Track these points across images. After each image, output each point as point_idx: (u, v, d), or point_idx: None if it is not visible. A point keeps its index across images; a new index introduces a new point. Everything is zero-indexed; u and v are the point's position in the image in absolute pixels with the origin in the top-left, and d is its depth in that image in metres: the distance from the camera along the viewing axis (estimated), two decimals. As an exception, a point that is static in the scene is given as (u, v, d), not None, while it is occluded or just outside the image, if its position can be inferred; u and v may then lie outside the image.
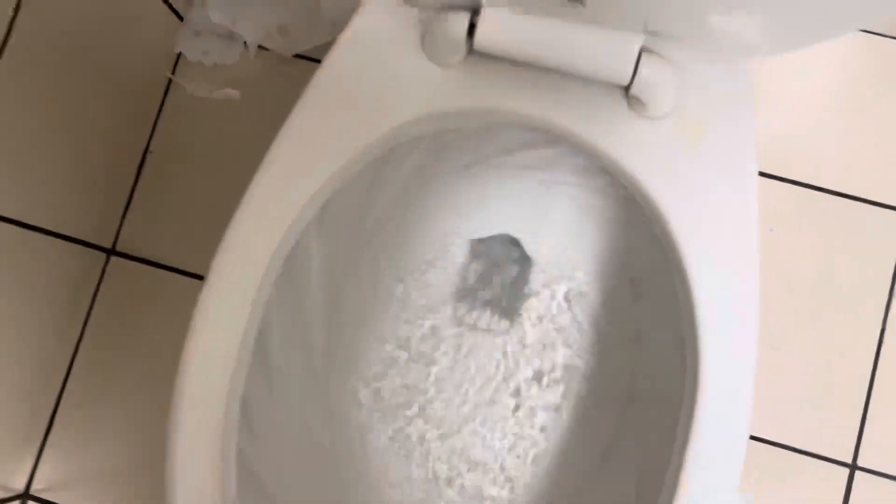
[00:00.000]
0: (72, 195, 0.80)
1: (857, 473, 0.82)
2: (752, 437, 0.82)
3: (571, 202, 0.61)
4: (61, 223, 0.80)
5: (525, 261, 0.63)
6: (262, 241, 0.46)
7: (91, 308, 0.89)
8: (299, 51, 0.91)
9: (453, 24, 0.46)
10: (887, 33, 0.87)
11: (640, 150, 0.47)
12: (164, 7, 0.88)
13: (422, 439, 0.60)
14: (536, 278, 0.63)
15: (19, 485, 0.84)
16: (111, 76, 0.81)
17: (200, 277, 0.83)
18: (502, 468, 0.60)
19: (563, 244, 0.62)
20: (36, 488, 0.85)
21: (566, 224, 0.62)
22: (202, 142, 0.92)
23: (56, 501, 0.85)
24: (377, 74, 0.49)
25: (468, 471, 0.60)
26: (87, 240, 0.85)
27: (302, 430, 0.56)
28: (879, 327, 0.83)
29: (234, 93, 0.91)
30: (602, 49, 0.44)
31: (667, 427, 0.52)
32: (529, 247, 0.63)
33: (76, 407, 0.87)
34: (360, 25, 0.49)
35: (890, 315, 0.83)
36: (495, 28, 0.45)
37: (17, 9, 0.63)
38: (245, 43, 0.91)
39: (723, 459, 0.48)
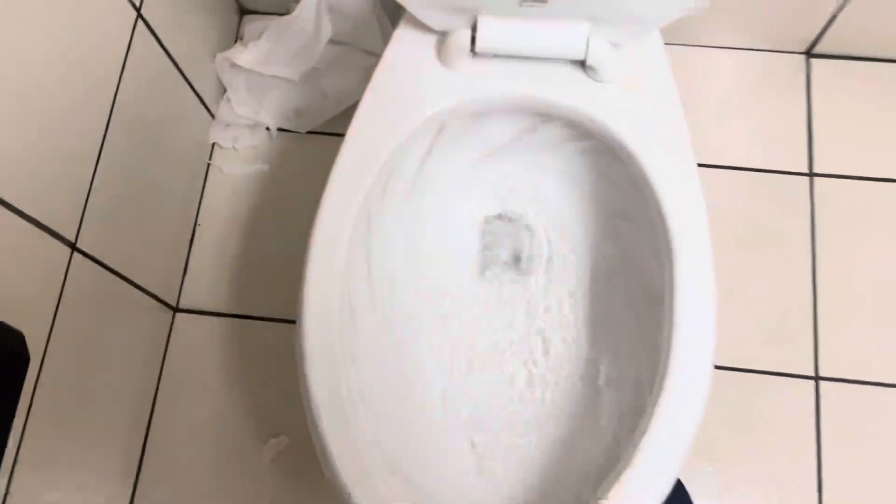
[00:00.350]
0: (145, 261, 0.96)
1: (822, 383, 1.00)
2: (723, 367, 1.00)
3: (557, 173, 0.81)
4: (139, 278, 0.96)
5: (529, 227, 0.83)
6: (355, 187, 0.65)
7: (163, 363, 1.04)
8: (312, 127, 1.12)
9: (460, 38, 0.68)
10: (763, 48, 1.13)
11: (600, 104, 0.69)
12: (201, 105, 1.09)
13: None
14: (540, 238, 0.82)
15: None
16: (164, 168, 1.00)
17: (257, 318, 1.00)
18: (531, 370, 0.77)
19: (557, 208, 0.82)
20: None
21: (557, 191, 0.82)
22: (240, 211, 1.11)
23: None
24: (406, 84, 0.70)
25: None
26: (157, 295, 1.01)
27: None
28: (811, 259, 1.04)
29: (263, 167, 1.12)
30: (563, 36, 0.66)
31: (656, 316, 0.70)
32: (531, 217, 0.83)
33: (163, 443, 1.00)
34: (393, 51, 0.71)
35: (816, 248, 1.04)
36: (489, 35, 0.67)
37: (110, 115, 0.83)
38: (267, 128, 1.12)
39: (699, 325, 0.65)
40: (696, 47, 1.13)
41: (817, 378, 1.00)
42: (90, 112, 0.80)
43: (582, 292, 0.80)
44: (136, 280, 0.93)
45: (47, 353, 0.75)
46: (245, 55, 1.09)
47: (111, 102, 0.83)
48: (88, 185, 0.80)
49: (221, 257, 1.08)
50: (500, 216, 0.84)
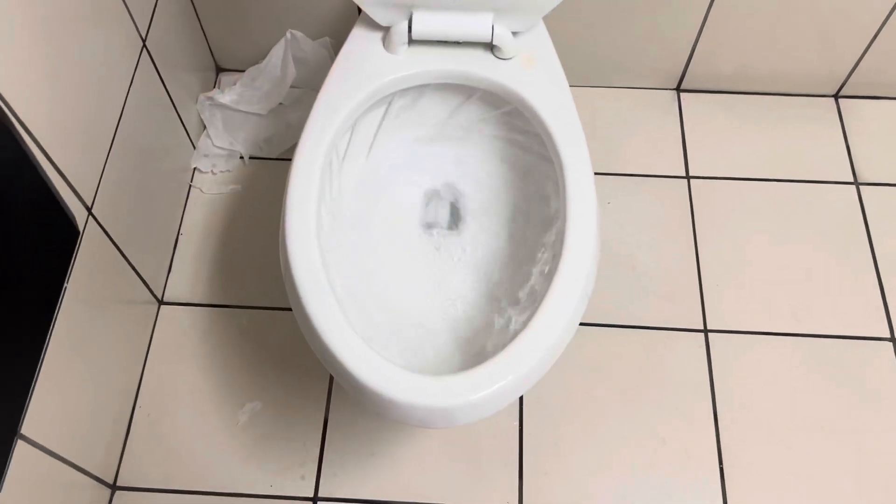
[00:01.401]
0: (136, 256, 1.12)
1: (710, 335, 1.21)
2: (619, 326, 1.20)
3: (478, 149, 1.04)
4: (136, 266, 1.12)
5: (460, 195, 1.05)
6: (323, 135, 0.86)
7: (150, 342, 1.18)
8: (279, 153, 1.34)
9: (399, 29, 0.92)
10: (639, 86, 1.42)
11: (506, 76, 0.93)
12: (186, 137, 1.30)
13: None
14: (468, 202, 1.04)
15: None
16: (154, 185, 1.20)
17: (231, 307, 1.16)
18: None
19: (480, 180, 1.04)
20: None
21: (480, 168, 1.04)
22: (217, 223, 1.30)
23: None
24: (362, 64, 0.93)
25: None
26: (148, 285, 1.17)
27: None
28: (692, 239, 1.27)
29: (236, 188, 1.32)
30: (474, 23, 0.91)
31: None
32: (461, 187, 1.05)
33: (150, 411, 1.13)
34: (350, 44, 0.95)
35: (696, 232, 1.28)
36: (421, 26, 0.91)
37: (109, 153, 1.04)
38: (241, 156, 1.34)
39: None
40: (586, 87, 1.41)
41: (706, 331, 1.21)
42: (100, 127, 0.99)
43: (502, 234, 1.00)
44: (133, 264, 1.10)
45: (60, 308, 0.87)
46: (223, 96, 1.32)
47: (115, 125, 1.02)
48: (98, 178, 0.99)
49: (200, 260, 1.26)
50: (438, 188, 1.05)
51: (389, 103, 0.98)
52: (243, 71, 1.39)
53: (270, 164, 1.34)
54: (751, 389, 1.15)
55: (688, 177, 1.34)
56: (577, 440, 1.11)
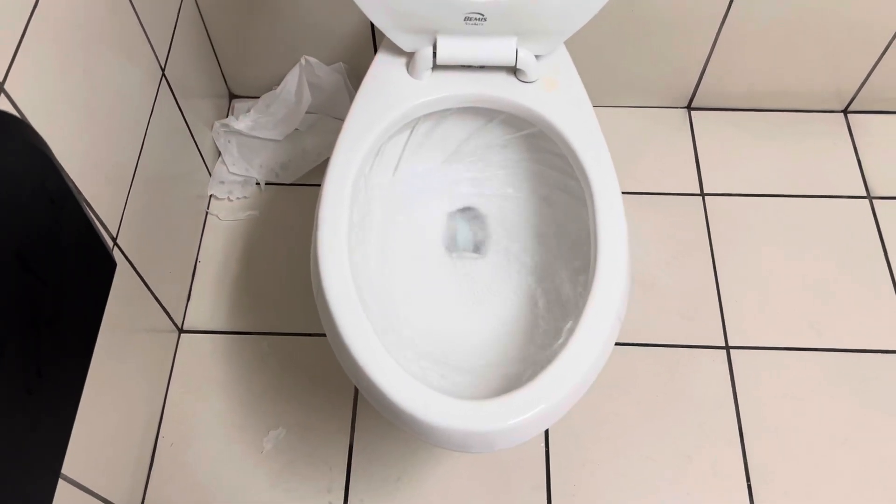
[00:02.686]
0: (157, 284, 1.12)
1: (732, 351, 1.21)
2: (641, 344, 1.20)
3: (502, 169, 1.05)
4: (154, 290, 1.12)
5: (481, 215, 1.05)
6: (351, 160, 0.87)
7: (171, 371, 1.18)
8: (295, 179, 1.35)
9: (424, 54, 0.93)
10: (649, 105, 1.44)
11: (530, 99, 0.94)
12: (203, 164, 1.30)
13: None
14: (492, 225, 1.05)
15: None
16: (169, 212, 1.20)
17: (252, 333, 1.16)
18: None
19: (503, 202, 1.05)
20: None
21: (503, 190, 1.05)
22: (235, 249, 1.30)
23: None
24: (387, 89, 0.94)
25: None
26: (168, 312, 1.17)
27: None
28: (710, 256, 1.28)
29: (253, 213, 1.32)
30: (498, 48, 0.92)
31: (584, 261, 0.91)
32: (483, 209, 1.05)
33: (172, 439, 1.12)
34: (374, 69, 0.95)
35: (714, 249, 1.28)
36: (447, 50, 0.92)
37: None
38: (257, 182, 1.34)
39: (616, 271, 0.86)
40: (597, 107, 1.42)
41: (728, 347, 1.21)
42: (126, 153, 0.99)
43: (528, 261, 1.01)
44: (155, 292, 1.10)
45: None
46: (238, 123, 1.33)
47: (139, 149, 1.02)
48: (123, 206, 0.99)
49: (219, 287, 1.26)
50: (461, 210, 1.06)
51: (413, 127, 0.98)
52: (256, 98, 1.40)
53: (287, 190, 1.34)
54: (775, 405, 1.15)
55: (702, 194, 1.35)
56: (604, 460, 1.11)
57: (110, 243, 0.93)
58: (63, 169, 0.63)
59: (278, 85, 1.36)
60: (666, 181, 1.36)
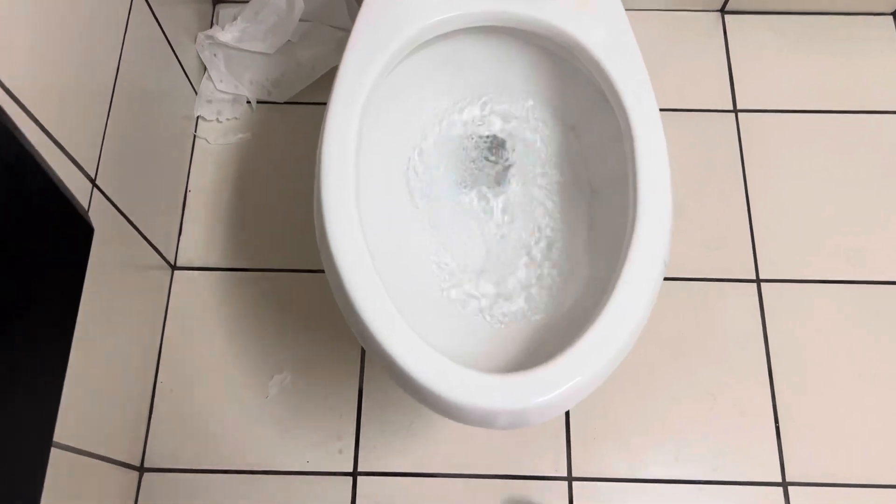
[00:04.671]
0: (145, 219, 1.03)
1: (763, 285, 1.13)
2: (674, 278, 1.12)
3: (525, 92, 0.93)
4: (145, 230, 1.03)
5: (501, 142, 0.95)
6: (358, 86, 0.75)
7: (166, 312, 1.10)
8: (289, 97, 1.22)
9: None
10: (678, 8, 1.30)
11: (560, 16, 0.81)
12: (187, 82, 1.18)
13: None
14: (513, 153, 0.94)
15: None
16: (157, 138, 1.08)
17: (248, 270, 1.08)
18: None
19: (522, 120, 0.94)
20: None
21: (526, 108, 0.94)
22: (226, 176, 1.19)
23: None
24: (393, 9, 0.82)
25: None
26: (159, 250, 1.08)
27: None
28: (742, 183, 1.18)
29: (245, 136, 1.21)
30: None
31: (620, 204, 0.81)
32: (502, 131, 0.95)
33: (171, 388, 1.06)
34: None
35: (746, 170, 1.18)
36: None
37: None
38: (248, 100, 1.22)
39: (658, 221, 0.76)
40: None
41: (758, 280, 1.13)
42: (98, 78, 0.87)
43: (553, 196, 0.91)
44: (142, 230, 1.00)
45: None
46: (224, 34, 1.19)
47: (115, 72, 0.90)
48: (101, 142, 0.88)
49: (212, 219, 1.16)
50: (479, 138, 0.95)
51: (424, 50, 0.86)
52: (244, 2, 1.26)
53: (281, 110, 1.23)
54: (806, 340, 1.09)
55: (735, 110, 1.23)
56: (626, 402, 1.06)
57: (88, 186, 0.83)
58: (19, 130, 0.52)
59: (266, -12, 1.21)
60: (695, 96, 1.24)
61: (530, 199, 0.91)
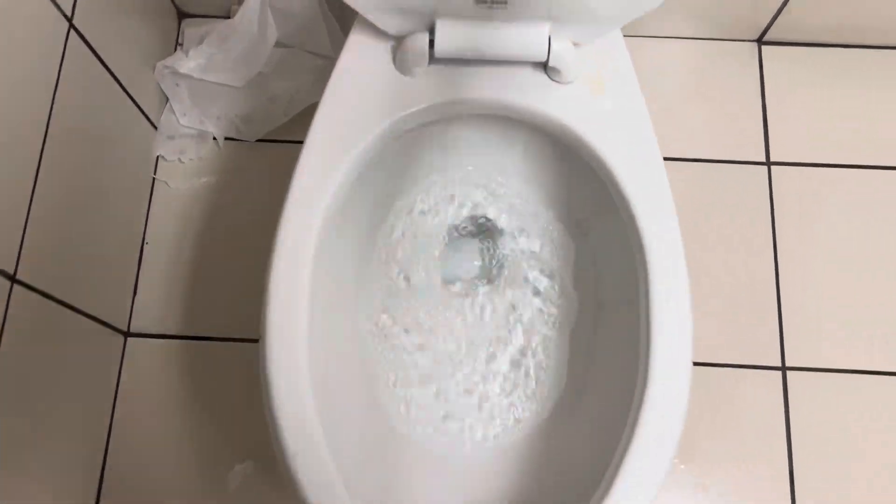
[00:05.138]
0: (91, 285, 0.91)
1: (789, 373, 1.00)
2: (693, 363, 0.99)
3: (521, 177, 0.79)
4: (87, 306, 0.90)
5: (495, 232, 0.81)
6: (315, 203, 0.61)
7: (117, 389, 0.99)
8: (261, 135, 1.08)
9: (417, 42, 0.65)
10: (713, 37, 1.13)
11: (564, 106, 0.66)
12: (143, 118, 1.03)
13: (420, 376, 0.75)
14: (506, 243, 0.80)
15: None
16: (107, 185, 0.95)
17: (212, 339, 0.96)
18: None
19: (520, 211, 0.80)
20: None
21: (521, 193, 0.80)
22: (189, 226, 1.06)
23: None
24: (364, 93, 0.67)
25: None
26: (108, 321, 0.96)
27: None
28: (772, 251, 1.04)
29: (210, 180, 1.07)
30: (524, 38, 0.64)
31: (632, 322, 0.68)
32: (499, 221, 0.80)
33: (121, 475, 0.95)
34: (347, 59, 0.67)
35: (777, 238, 1.04)
36: (448, 37, 0.64)
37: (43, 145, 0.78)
38: (214, 137, 1.07)
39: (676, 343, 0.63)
40: (646, 38, 1.12)
41: (784, 368, 1.00)
42: (24, 134, 0.74)
43: (551, 296, 0.78)
44: (82, 307, 0.88)
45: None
46: (187, 62, 1.04)
47: (46, 122, 0.78)
48: (26, 212, 0.75)
49: (173, 276, 1.03)
50: (467, 219, 0.81)
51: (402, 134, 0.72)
52: (213, 17, 1.10)
53: (252, 148, 1.08)
54: (831, 433, 0.97)
55: (768, 163, 1.08)
56: None
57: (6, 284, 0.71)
58: None
59: (237, 7, 1.06)
60: (724, 142, 1.09)
61: (522, 303, 0.78)
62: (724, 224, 1.05)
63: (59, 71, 0.80)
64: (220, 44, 1.05)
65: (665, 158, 1.03)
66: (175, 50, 1.10)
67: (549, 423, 0.73)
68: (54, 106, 0.79)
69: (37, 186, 0.76)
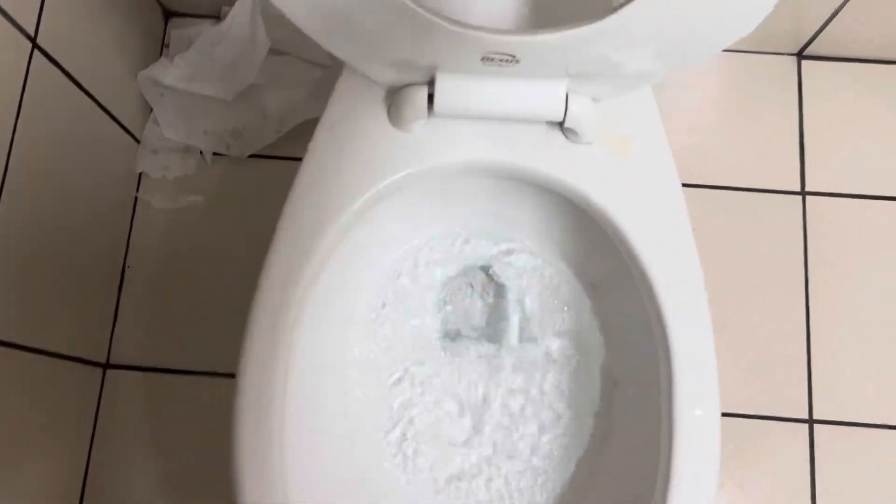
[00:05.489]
0: (63, 318, 0.85)
1: (816, 426, 0.93)
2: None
3: (532, 228, 0.71)
4: (56, 344, 0.84)
5: (499, 288, 0.73)
6: (294, 277, 0.54)
7: (95, 424, 0.92)
8: (252, 151, 0.99)
9: (415, 95, 0.56)
10: (750, 49, 1.03)
11: (582, 171, 0.58)
12: (122, 131, 0.95)
13: (416, 452, 0.68)
14: (511, 302, 0.72)
15: None
16: (82, 203, 0.88)
17: (196, 373, 0.90)
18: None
19: (528, 266, 0.72)
20: None
21: (531, 249, 0.72)
22: (174, 249, 0.98)
23: None
24: (354, 151, 0.58)
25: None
26: (82, 357, 0.89)
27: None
28: (803, 293, 0.95)
29: (197, 199, 0.99)
30: (538, 95, 0.55)
31: (650, 401, 0.61)
32: (502, 273, 0.73)
33: (97, 520, 0.90)
34: (334, 111, 0.59)
35: (809, 278, 0.96)
36: (450, 93, 0.55)
37: (8, 156, 0.71)
38: (201, 152, 0.99)
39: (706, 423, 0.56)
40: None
41: (811, 421, 0.93)
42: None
43: (559, 366, 0.70)
44: (53, 348, 0.82)
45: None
46: (171, 71, 0.96)
47: (8, 145, 0.70)
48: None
49: (156, 303, 0.97)
50: (471, 270, 0.74)
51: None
52: (203, 18, 1.01)
53: (241, 166, 1.00)
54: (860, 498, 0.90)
55: (803, 192, 0.99)
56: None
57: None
58: None
59: (228, 9, 0.97)
60: (756, 167, 1.00)
61: (530, 374, 0.70)
62: (753, 260, 0.97)
63: (22, 94, 0.72)
64: (208, 51, 0.96)
65: (688, 185, 0.96)
66: (161, 52, 1.02)
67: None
68: (17, 128, 0.71)
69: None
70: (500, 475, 0.67)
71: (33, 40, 0.74)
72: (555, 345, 0.70)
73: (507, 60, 0.51)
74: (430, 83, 0.56)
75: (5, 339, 0.73)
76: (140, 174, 0.99)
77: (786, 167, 1.00)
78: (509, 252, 0.71)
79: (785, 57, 1.04)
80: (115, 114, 0.92)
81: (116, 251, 0.97)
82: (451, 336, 0.73)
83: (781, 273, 0.96)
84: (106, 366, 0.94)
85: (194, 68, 0.96)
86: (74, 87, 0.83)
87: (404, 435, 0.69)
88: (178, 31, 1.02)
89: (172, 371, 0.94)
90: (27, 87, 0.74)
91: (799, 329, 0.95)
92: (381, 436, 0.70)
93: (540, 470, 0.67)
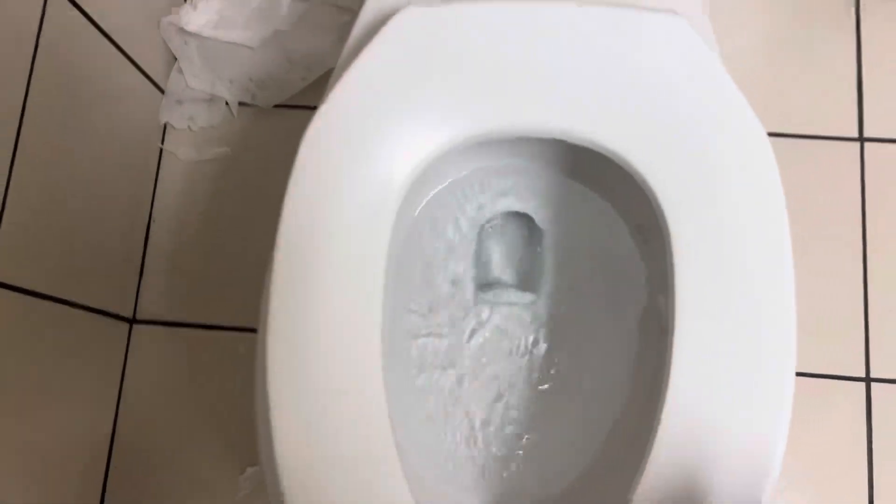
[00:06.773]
0: (88, 270, 0.82)
1: (873, 385, 0.88)
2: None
3: (567, 175, 0.67)
4: (83, 296, 0.82)
5: (536, 232, 0.69)
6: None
7: (122, 378, 0.91)
8: (278, 101, 0.96)
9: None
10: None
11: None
12: (146, 81, 0.92)
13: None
14: (548, 246, 0.68)
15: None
16: (105, 154, 0.85)
17: (222, 328, 0.87)
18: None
19: (567, 210, 0.68)
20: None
21: (566, 193, 0.68)
22: (200, 201, 0.96)
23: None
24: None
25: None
26: (108, 310, 0.87)
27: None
28: (861, 246, 0.90)
29: (223, 151, 0.96)
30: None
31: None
32: (539, 217, 0.68)
33: (125, 479, 0.88)
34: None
35: (867, 231, 0.90)
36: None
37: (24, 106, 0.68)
38: (227, 102, 0.96)
39: None
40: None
41: (868, 380, 0.88)
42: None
43: (593, 313, 0.66)
44: (80, 300, 0.80)
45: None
46: (194, 17, 0.92)
47: (23, 96, 0.67)
48: (2, 199, 0.66)
49: (182, 257, 0.94)
50: (502, 216, 0.70)
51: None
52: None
53: (267, 116, 0.97)
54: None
55: (861, 139, 0.93)
56: None
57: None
58: None
59: (251, -48, 0.93)
60: (809, 111, 0.94)
61: (567, 320, 0.66)
62: (807, 212, 0.91)
63: (38, 35, 0.69)
64: (233, -4, 0.93)
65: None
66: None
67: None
68: (32, 77, 0.68)
69: (14, 168, 0.66)
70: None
71: (50, -24, 0.71)
72: (595, 291, 0.66)
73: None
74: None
75: (30, 287, 0.71)
76: (165, 125, 0.96)
77: (843, 112, 0.94)
78: (545, 191, 0.67)
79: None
80: (137, 61, 0.89)
81: (141, 204, 0.94)
82: (488, 284, 0.69)
83: (838, 225, 0.91)
84: (132, 321, 0.92)
85: (219, 14, 0.93)
86: (96, 30, 0.80)
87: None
88: (203, -23, 0.98)
89: (201, 326, 0.92)
90: (43, 26, 0.71)
91: (856, 284, 0.89)
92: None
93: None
